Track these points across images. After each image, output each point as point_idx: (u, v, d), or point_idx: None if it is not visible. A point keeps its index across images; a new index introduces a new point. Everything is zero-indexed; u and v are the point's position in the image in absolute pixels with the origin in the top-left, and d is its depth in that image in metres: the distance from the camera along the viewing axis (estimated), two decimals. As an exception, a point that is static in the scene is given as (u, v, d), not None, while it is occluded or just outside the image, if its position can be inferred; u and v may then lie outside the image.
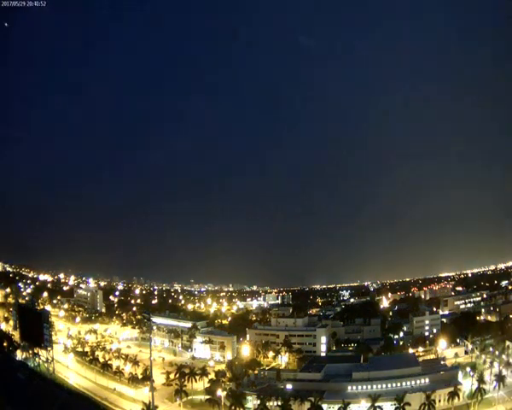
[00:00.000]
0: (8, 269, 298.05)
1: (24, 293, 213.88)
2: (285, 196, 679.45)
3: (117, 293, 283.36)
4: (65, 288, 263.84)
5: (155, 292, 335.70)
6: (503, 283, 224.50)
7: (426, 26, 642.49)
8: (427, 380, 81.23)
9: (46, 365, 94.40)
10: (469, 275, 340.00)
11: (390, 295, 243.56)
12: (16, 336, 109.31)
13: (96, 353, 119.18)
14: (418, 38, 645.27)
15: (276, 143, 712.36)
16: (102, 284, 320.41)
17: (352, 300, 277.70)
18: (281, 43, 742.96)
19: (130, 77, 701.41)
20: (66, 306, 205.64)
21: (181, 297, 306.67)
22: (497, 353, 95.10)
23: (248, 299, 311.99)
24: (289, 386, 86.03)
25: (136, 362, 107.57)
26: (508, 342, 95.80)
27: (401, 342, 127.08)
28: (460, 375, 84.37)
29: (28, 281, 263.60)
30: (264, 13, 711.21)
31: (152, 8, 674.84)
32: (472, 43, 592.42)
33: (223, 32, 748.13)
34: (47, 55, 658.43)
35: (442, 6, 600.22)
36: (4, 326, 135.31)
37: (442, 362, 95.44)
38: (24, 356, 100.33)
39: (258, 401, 79.23)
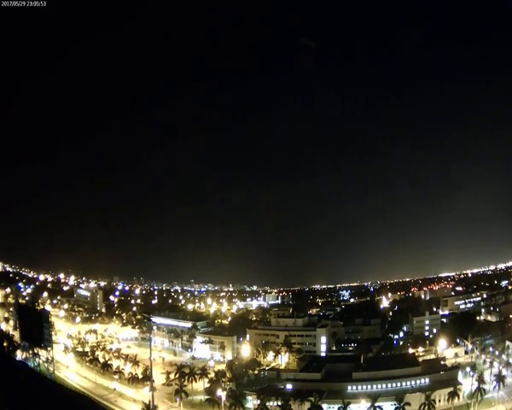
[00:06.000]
0: (8, 269, 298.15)
1: (24, 293, 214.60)
2: (285, 196, 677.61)
3: (117, 293, 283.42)
4: (65, 288, 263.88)
5: (155, 292, 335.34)
6: (503, 283, 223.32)
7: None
8: (427, 380, 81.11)
9: (46, 365, 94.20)
10: (469, 275, 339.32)
11: (390, 295, 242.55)
12: (16, 336, 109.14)
13: (96, 353, 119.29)
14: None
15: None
16: (102, 283, 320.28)
17: (352, 300, 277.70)
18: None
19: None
20: (66, 306, 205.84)
21: (181, 297, 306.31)
22: (497, 353, 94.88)
23: (248, 299, 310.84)
24: (289, 386, 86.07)
25: (136, 362, 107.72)
26: (508, 342, 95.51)
27: (401, 342, 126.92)
28: (460, 375, 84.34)
29: (28, 281, 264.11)
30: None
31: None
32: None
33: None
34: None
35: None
36: (4, 326, 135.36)
37: (442, 362, 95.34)
38: (24, 356, 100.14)
39: (258, 401, 79.37)
